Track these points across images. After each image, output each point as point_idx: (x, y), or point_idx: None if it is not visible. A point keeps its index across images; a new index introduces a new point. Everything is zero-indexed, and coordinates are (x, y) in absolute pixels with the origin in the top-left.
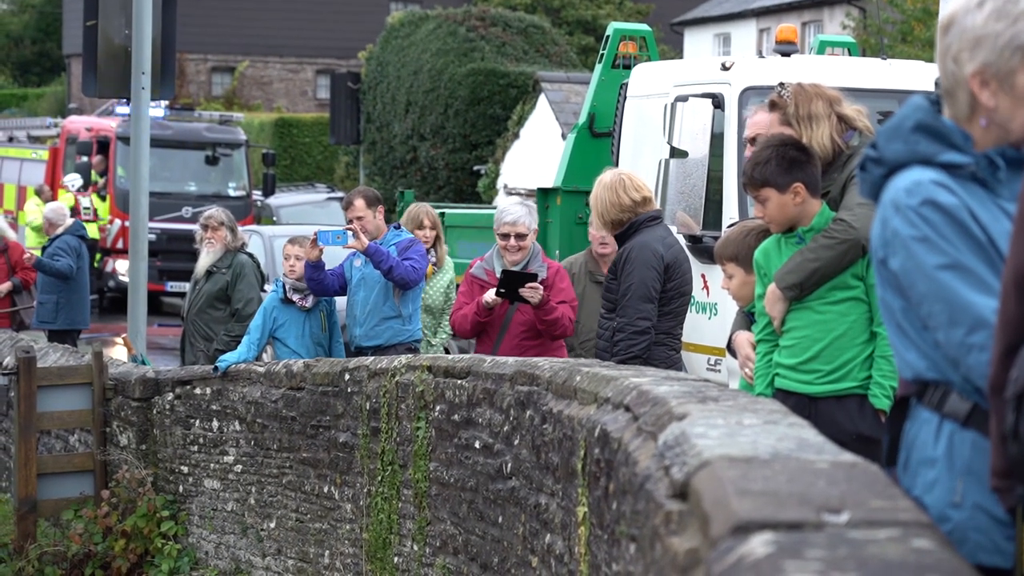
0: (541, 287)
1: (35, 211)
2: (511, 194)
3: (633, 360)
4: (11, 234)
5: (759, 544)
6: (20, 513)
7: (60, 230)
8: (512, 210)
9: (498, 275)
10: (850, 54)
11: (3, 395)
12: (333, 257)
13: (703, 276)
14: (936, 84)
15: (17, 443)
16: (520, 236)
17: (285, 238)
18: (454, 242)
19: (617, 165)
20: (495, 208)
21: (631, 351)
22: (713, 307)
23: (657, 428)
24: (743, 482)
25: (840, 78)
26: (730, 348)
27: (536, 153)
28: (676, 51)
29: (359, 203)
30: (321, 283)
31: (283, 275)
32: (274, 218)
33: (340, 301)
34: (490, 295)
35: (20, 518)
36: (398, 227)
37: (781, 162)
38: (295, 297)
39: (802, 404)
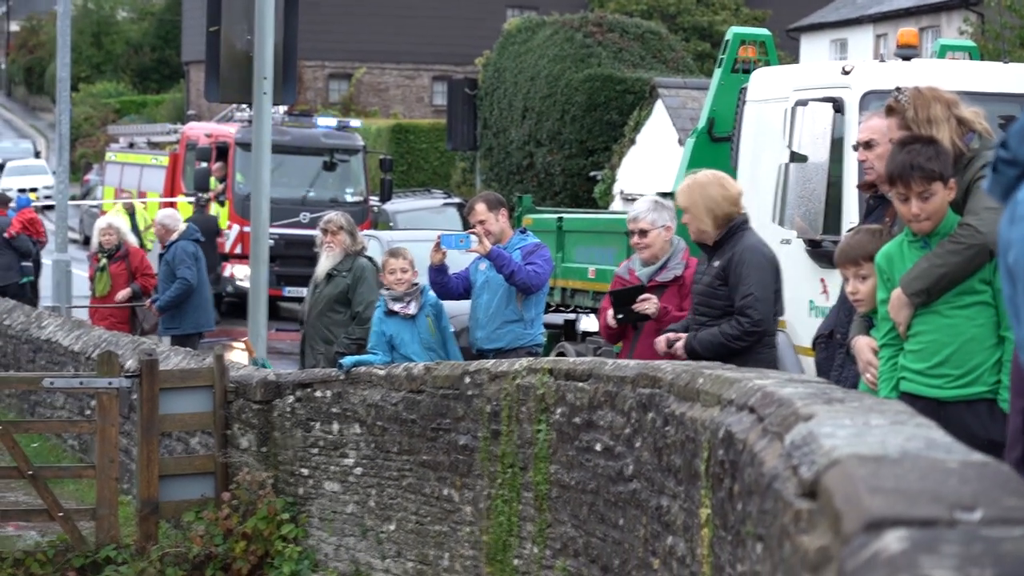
0: (654, 297)
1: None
2: (627, 200)
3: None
4: (132, 239)
5: (893, 540)
6: (142, 514)
7: (175, 235)
8: (636, 207)
9: (637, 274)
10: (971, 58)
11: (125, 398)
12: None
13: (822, 280)
14: None
15: (139, 445)
16: (642, 232)
17: (403, 243)
18: (572, 247)
19: (736, 169)
20: (612, 213)
21: (735, 345)
22: None
23: (783, 429)
24: (874, 480)
25: (961, 82)
26: (814, 345)
27: (653, 159)
28: (792, 57)
29: (480, 207)
30: (445, 286)
31: (383, 288)
32: (391, 223)
33: (455, 305)
34: (611, 320)
35: (142, 519)
36: (524, 231)
37: (947, 157)
38: (396, 307)
39: (930, 408)
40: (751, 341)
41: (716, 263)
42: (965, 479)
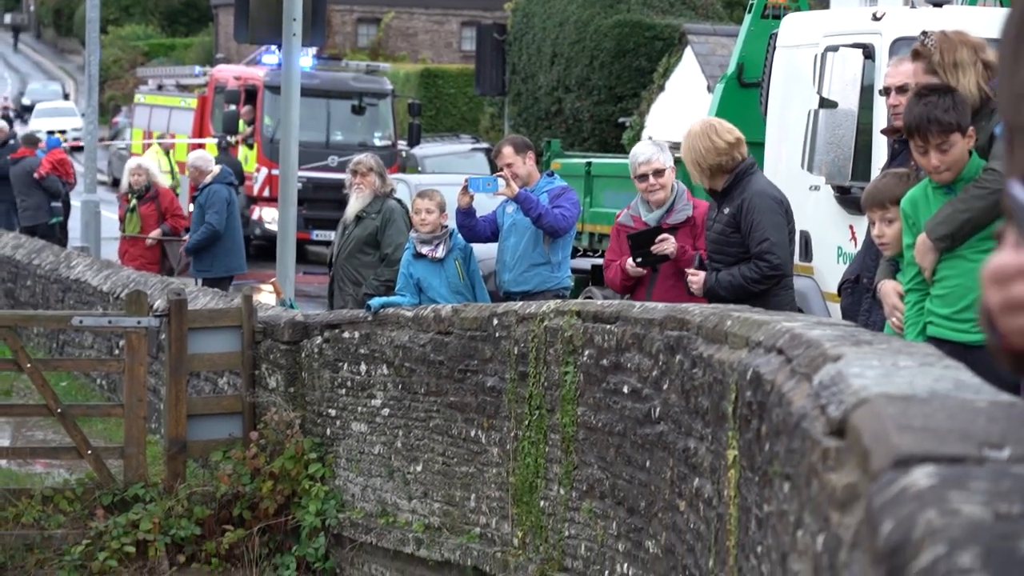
0: (671, 237)
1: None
2: None
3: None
4: (162, 180)
5: (922, 476)
6: (170, 453)
7: (208, 178)
8: (643, 150)
9: (644, 219)
10: (1002, 5)
11: (154, 337)
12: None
13: (851, 227)
14: None
15: (167, 385)
16: (658, 173)
17: (432, 187)
18: (600, 191)
19: (766, 115)
20: None
21: (755, 288)
22: None
23: (811, 369)
24: (903, 418)
25: (993, 28)
26: (840, 290)
27: (681, 105)
28: (823, 5)
29: (507, 150)
30: (472, 229)
31: (412, 230)
32: (419, 168)
33: (482, 248)
34: (631, 266)
35: (170, 458)
36: (551, 174)
37: (964, 106)
38: (424, 250)
39: (956, 353)
40: (771, 284)
41: (726, 210)
42: (993, 418)
